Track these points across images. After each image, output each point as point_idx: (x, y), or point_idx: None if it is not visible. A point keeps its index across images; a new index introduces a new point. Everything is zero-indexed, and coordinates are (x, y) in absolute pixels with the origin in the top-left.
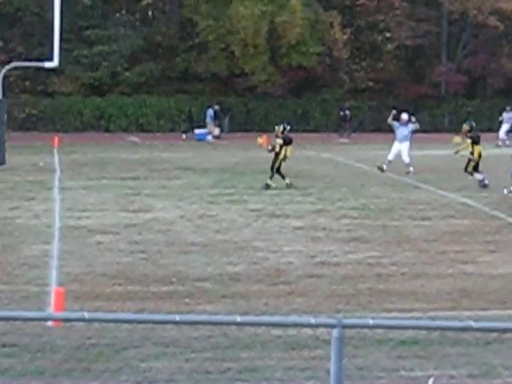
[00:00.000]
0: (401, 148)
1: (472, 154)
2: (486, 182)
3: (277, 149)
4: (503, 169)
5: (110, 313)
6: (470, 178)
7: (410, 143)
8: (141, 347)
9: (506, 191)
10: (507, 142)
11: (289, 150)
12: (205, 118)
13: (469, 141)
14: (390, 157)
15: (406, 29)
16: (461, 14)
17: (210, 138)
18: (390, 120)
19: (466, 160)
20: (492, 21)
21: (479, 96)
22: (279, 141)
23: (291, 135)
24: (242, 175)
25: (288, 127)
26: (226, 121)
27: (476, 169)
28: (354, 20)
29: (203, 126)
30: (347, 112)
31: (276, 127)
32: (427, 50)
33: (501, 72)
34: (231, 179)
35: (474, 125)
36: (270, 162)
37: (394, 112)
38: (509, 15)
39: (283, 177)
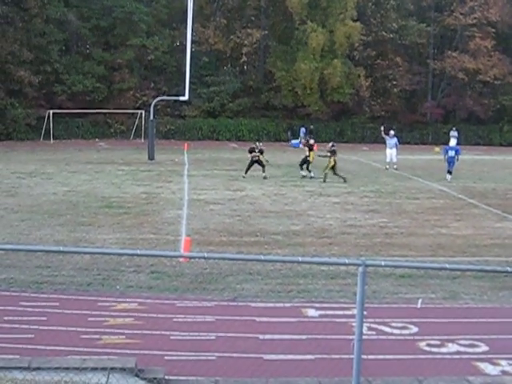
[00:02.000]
0: (391, 153)
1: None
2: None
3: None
4: (456, 167)
5: (218, 253)
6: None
7: (397, 149)
8: (237, 275)
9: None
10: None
11: (311, 154)
12: (299, 133)
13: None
14: (387, 159)
15: (405, 79)
16: (440, 70)
17: (300, 145)
18: (382, 134)
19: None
20: (460, 75)
21: (451, 122)
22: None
23: (333, 146)
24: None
25: (331, 143)
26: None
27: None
28: (373, 73)
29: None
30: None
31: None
32: (419, 92)
33: (465, 108)
34: (295, 171)
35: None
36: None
37: (382, 128)
38: (471, 71)
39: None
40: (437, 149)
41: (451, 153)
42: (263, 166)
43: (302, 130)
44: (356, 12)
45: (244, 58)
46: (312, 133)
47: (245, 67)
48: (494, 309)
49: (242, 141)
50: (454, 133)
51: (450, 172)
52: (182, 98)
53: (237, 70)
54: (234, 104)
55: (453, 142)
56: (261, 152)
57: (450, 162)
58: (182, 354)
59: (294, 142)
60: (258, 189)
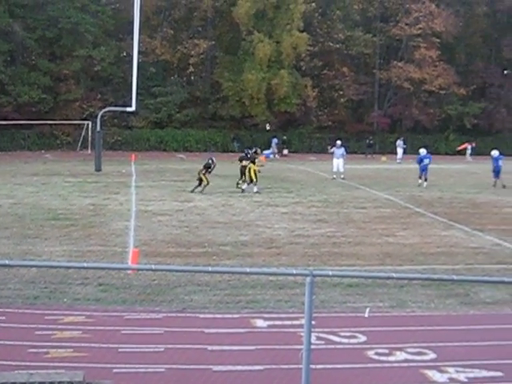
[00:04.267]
0: (338, 162)
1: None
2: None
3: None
4: (403, 176)
5: (166, 265)
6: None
7: (344, 159)
8: (185, 286)
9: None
10: (398, 161)
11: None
12: (270, 144)
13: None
14: (334, 169)
15: (352, 89)
16: (386, 80)
17: (271, 156)
18: (329, 149)
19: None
20: (406, 84)
21: (397, 132)
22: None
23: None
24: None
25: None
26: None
27: None
28: (320, 83)
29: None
30: (371, 142)
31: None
32: (365, 102)
33: (411, 117)
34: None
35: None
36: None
37: (329, 148)
38: (416, 81)
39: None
40: (383, 158)
41: (426, 161)
42: (244, 176)
43: (274, 140)
44: (302, 23)
45: (191, 69)
46: (285, 143)
47: (192, 78)
48: (441, 316)
49: (190, 151)
50: (400, 142)
51: (425, 179)
52: (128, 109)
53: (184, 81)
54: (182, 114)
55: (400, 152)
56: (252, 161)
57: (424, 169)
58: (131, 366)
59: (265, 152)
60: (206, 200)
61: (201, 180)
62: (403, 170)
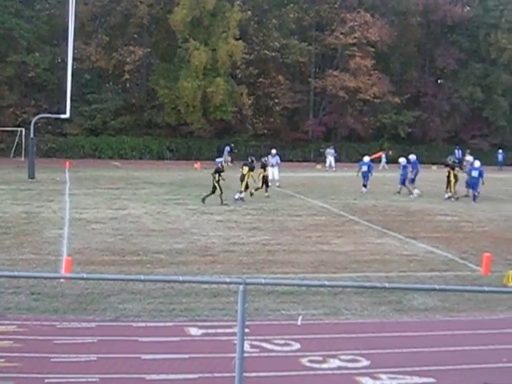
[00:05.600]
0: (273, 171)
1: None
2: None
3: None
4: (338, 184)
5: (99, 274)
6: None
7: (279, 168)
8: (119, 295)
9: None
10: (334, 169)
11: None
12: (223, 151)
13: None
14: (269, 177)
15: (287, 97)
16: (322, 88)
17: (224, 163)
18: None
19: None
20: (341, 93)
21: (332, 140)
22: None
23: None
24: (184, 187)
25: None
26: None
27: None
28: (255, 91)
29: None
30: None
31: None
32: (300, 110)
33: (346, 125)
34: (177, 189)
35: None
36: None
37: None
38: (351, 90)
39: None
40: (318, 166)
41: (364, 168)
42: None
43: (227, 148)
44: (238, 31)
45: (126, 76)
46: (233, 150)
47: (127, 85)
48: (374, 324)
49: (125, 159)
50: (330, 151)
51: (365, 186)
52: (63, 116)
53: (119, 88)
54: (117, 122)
55: (331, 160)
56: (250, 169)
57: (365, 176)
58: (63, 376)
59: (218, 160)
60: (141, 207)
61: (214, 188)
62: (338, 177)
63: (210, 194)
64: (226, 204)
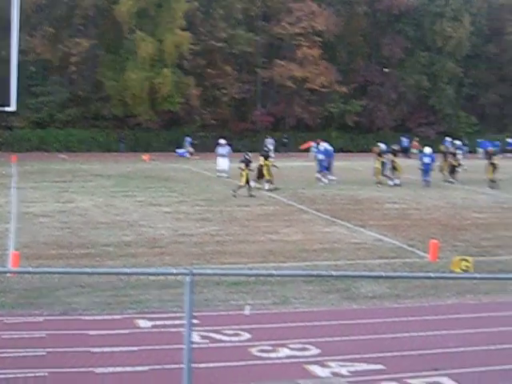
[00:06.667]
0: (222, 161)
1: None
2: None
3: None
4: (287, 174)
5: (47, 267)
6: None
7: (229, 158)
8: (67, 289)
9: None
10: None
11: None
12: (185, 143)
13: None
14: (218, 167)
15: (235, 87)
16: (269, 78)
17: (186, 154)
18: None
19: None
20: (288, 83)
21: (280, 130)
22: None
23: None
24: (132, 179)
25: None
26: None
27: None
28: (203, 82)
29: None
30: (286, 140)
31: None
32: (248, 100)
33: (294, 115)
34: (125, 182)
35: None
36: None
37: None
38: (299, 80)
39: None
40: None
41: (321, 156)
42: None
43: (188, 139)
44: (185, 21)
45: (72, 68)
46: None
47: (73, 77)
48: (323, 312)
49: (72, 151)
50: (270, 140)
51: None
52: (8, 109)
53: (65, 80)
54: (63, 114)
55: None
56: (246, 164)
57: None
58: (11, 371)
59: (179, 151)
60: (89, 200)
61: (247, 179)
62: (286, 167)
63: (244, 185)
64: (234, 195)
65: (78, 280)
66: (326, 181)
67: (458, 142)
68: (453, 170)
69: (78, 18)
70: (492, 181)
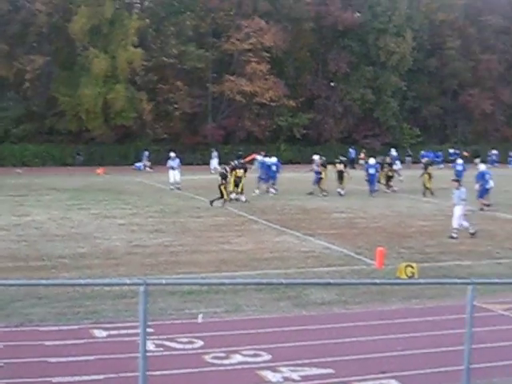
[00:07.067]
0: (174, 173)
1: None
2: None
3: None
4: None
5: (3, 279)
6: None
7: (180, 170)
8: (24, 300)
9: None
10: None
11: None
12: (142, 156)
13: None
14: (170, 180)
15: (186, 102)
16: (219, 93)
17: (142, 167)
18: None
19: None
20: (238, 97)
21: (231, 143)
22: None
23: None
24: (87, 192)
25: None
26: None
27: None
28: (155, 97)
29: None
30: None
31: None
32: (200, 115)
33: (244, 128)
34: (80, 195)
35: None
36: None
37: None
38: (248, 94)
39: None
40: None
41: (274, 167)
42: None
43: (145, 153)
44: (137, 38)
45: (27, 84)
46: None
47: (28, 93)
48: (274, 319)
49: (28, 166)
50: (215, 153)
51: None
52: None
53: (20, 96)
54: (19, 130)
55: (215, 162)
56: (245, 170)
57: (273, 176)
58: None
59: (136, 164)
60: (44, 213)
61: (222, 193)
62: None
63: (219, 198)
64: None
65: (35, 292)
66: (273, 191)
67: (393, 153)
68: (388, 179)
69: (33, 35)
70: (427, 189)
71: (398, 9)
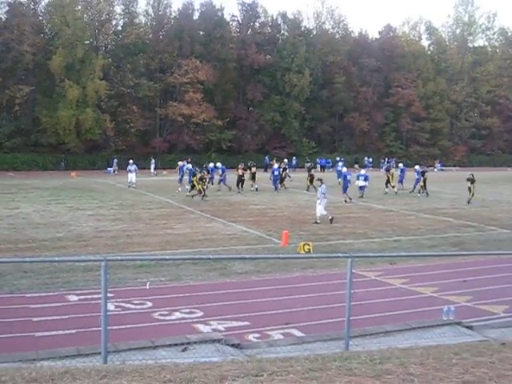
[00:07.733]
0: (131, 176)
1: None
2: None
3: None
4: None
5: None
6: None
7: (136, 173)
8: (13, 274)
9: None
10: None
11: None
12: (112, 163)
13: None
14: (128, 180)
15: (140, 122)
16: (165, 115)
17: (112, 172)
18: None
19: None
20: (179, 118)
21: (174, 152)
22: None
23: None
24: (64, 190)
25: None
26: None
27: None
28: (116, 118)
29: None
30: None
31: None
32: (150, 131)
33: (183, 142)
34: (58, 192)
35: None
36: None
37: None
38: (187, 116)
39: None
40: (164, 172)
41: (220, 171)
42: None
43: (115, 160)
44: (102, 73)
45: (17, 107)
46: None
47: (18, 114)
48: (206, 285)
49: (17, 170)
50: (152, 160)
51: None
52: None
53: (12, 117)
54: (10, 143)
55: (152, 167)
56: (245, 169)
57: (222, 180)
58: None
59: (109, 169)
60: (30, 207)
61: (199, 188)
62: (175, 180)
63: (197, 193)
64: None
65: (22, 267)
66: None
67: (285, 160)
68: (282, 180)
69: (21, 69)
70: (311, 186)
71: (299, 52)
